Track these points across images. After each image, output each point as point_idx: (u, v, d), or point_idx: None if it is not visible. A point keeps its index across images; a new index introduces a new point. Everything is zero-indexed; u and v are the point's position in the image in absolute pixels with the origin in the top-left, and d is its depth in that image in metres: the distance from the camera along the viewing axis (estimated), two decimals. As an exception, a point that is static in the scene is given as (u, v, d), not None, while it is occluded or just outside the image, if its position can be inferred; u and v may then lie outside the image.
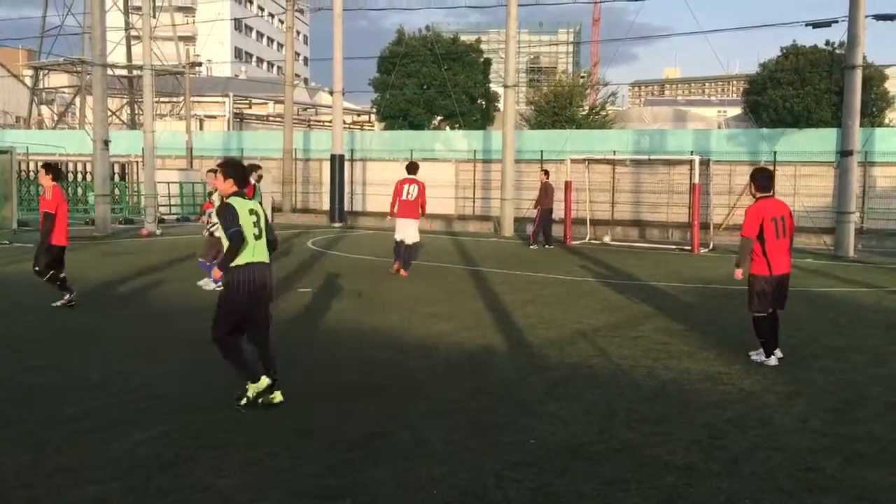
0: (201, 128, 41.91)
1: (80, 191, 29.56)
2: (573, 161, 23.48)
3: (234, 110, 43.09)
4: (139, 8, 30.39)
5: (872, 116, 27.27)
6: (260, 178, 12.41)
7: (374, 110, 38.07)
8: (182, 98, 36.91)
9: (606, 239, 18.11)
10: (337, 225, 27.35)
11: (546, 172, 21.45)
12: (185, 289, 12.02)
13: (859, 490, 4.58)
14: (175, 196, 28.71)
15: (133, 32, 43.13)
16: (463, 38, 39.27)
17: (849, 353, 8.22)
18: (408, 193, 13.85)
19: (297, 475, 4.70)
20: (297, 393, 6.38)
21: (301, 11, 44.38)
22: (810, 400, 6.47)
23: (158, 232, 22.50)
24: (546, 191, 20.76)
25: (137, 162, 30.47)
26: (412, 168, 14.17)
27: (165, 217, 26.76)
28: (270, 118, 44.30)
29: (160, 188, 25.93)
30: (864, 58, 20.53)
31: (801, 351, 8.24)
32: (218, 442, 5.22)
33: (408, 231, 13.91)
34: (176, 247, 18.60)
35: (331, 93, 31.79)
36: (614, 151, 27.14)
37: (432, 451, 5.11)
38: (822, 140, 25.35)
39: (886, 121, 29.19)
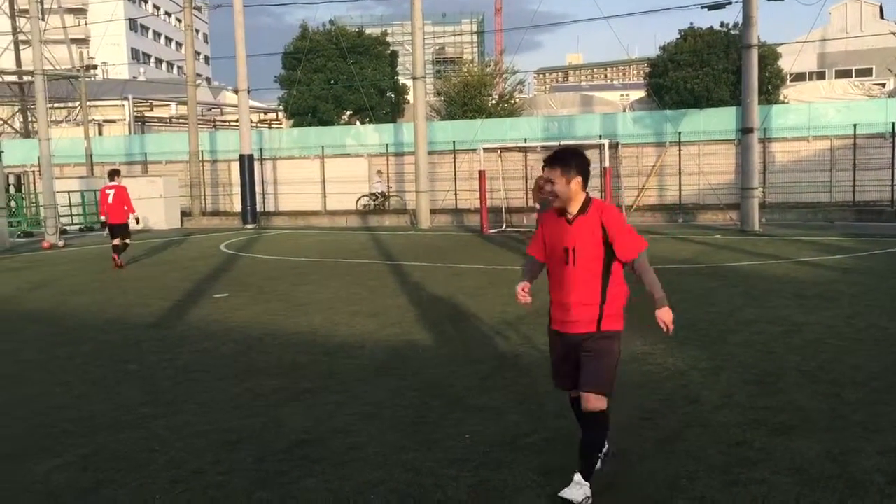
0: (100, 133, 40.28)
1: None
2: (486, 150, 23.57)
3: (135, 113, 41.49)
4: (26, 11, 29.00)
5: (769, 94, 28.24)
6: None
7: (282, 108, 37.29)
8: (78, 103, 35.38)
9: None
10: (250, 226, 26.81)
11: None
12: (91, 302, 11.50)
13: (788, 461, 4.67)
14: (77, 205, 27.52)
15: (21, 37, 41.03)
16: (368, 31, 38.80)
17: (764, 325, 8.45)
18: None
19: (227, 492, 4.49)
20: (219, 404, 6.15)
21: (199, 9, 43.05)
22: (732, 374, 6.60)
23: (61, 244, 21.51)
24: None
25: (34, 171, 29.09)
26: None
27: (68, 228, 25.65)
28: (174, 120, 42.87)
29: (60, 198, 24.80)
30: (759, 37, 21.23)
31: (718, 326, 8.44)
32: (139, 462, 4.96)
33: None
34: (79, 258, 17.82)
35: (235, 91, 31.03)
36: (525, 139, 27.39)
37: (366, 455, 4.98)
38: (722, 119, 26.20)
39: (781, 97, 30.29)
